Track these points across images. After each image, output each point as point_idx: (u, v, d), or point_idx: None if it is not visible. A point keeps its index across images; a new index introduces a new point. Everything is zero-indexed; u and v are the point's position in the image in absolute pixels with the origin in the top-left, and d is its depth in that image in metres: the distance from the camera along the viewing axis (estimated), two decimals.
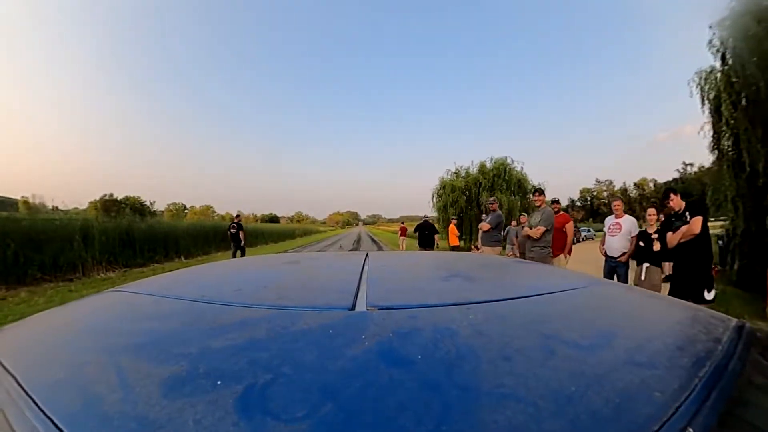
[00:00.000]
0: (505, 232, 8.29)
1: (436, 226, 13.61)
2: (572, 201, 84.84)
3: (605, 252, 5.19)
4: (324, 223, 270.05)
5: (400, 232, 17.05)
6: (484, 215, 9.45)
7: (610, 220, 5.19)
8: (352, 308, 0.62)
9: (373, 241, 35.01)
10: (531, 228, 5.19)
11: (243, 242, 11.93)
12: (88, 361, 0.48)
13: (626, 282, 5.03)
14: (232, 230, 11.96)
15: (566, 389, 0.37)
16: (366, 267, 1.01)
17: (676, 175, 72.87)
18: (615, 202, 5.26)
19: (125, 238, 13.11)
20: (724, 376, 0.41)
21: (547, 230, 5.11)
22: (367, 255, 1.26)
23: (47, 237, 10.40)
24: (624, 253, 4.94)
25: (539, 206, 5.38)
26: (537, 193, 5.59)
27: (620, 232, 4.95)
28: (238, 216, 13.06)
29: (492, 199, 6.85)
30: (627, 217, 5.06)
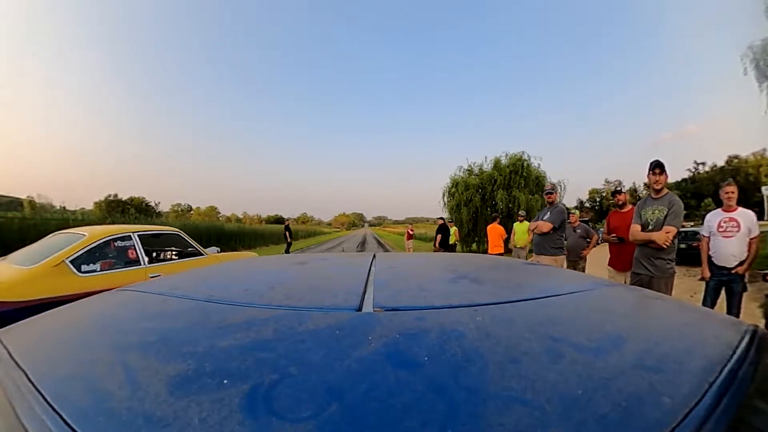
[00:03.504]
0: None
1: (451, 227, 12.55)
2: (581, 202, 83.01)
3: (710, 260, 3.71)
4: (329, 224, 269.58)
5: (406, 235, 16.48)
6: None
7: (716, 216, 3.69)
8: (359, 309, 0.62)
9: (379, 243, 33.61)
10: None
11: (290, 240, 16.55)
12: (97, 359, 0.49)
13: (740, 303, 3.58)
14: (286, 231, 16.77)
15: (575, 393, 0.37)
16: (373, 268, 1.01)
17: (687, 174, 71.12)
18: (727, 188, 3.61)
19: None
20: (735, 382, 0.40)
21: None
22: (374, 256, 1.27)
23: (15, 237, 9.52)
24: (743, 262, 3.48)
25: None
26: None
27: (738, 231, 3.47)
28: (287, 220, 17.81)
29: (550, 186, 5.00)
30: (742, 209, 3.57)
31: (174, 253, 5.39)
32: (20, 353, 0.52)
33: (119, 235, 3.95)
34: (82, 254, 3.48)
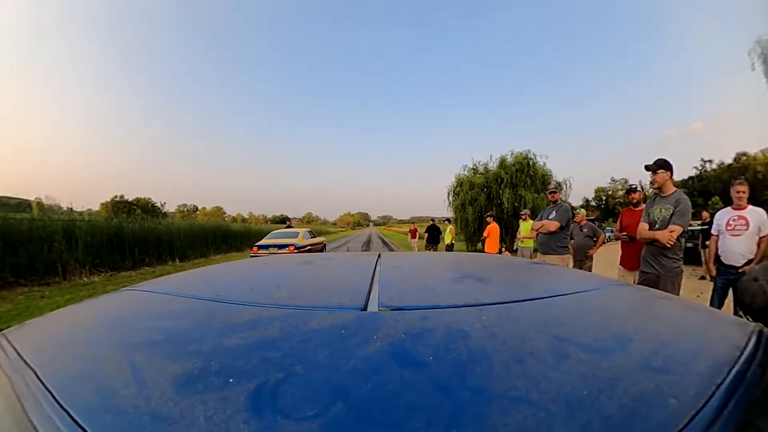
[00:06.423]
0: None
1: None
2: (587, 201, 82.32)
3: (718, 259, 3.67)
4: (335, 224, 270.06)
5: (410, 234, 16.87)
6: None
7: (726, 214, 3.65)
8: (364, 308, 0.62)
9: (384, 242, 33.63)
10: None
11: None
12: (105, 357, 0.49)
13: None
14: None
15: (580, 393, 0.36)
16: (378, 267, 1.01)
17: (694, 172, 70.05)
18: (739, 188, 3.55)
19: (114, 240, 12.12)
20: (742, 383, 0.39)
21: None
22: (379, 255, 1.28)
23: (24, 237, 9.59)
24: (751, 261, 3.43)
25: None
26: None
27: (747, 230, 3.43)
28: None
29: (554, 184, 4.98)
30: (753, 208, 3.51)
31: (313, 235, 13.24)
32: (29, 352, 0.52)
33: (305, 229, 13.46)
34: (308, 233, 12.95)
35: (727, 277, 3.60)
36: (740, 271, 3.48)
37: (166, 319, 0.64)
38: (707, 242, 3.87)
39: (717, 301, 3.67)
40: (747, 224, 3.45)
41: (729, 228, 3.56)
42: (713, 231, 3.78)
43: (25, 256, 9.16)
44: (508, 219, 16.97)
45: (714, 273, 3.73)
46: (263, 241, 11.59)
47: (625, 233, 4.04)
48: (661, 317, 0.68)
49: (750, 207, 3.53)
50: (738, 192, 3.55)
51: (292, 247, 10.68)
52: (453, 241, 12.38)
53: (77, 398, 0.39)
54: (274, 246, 10.83)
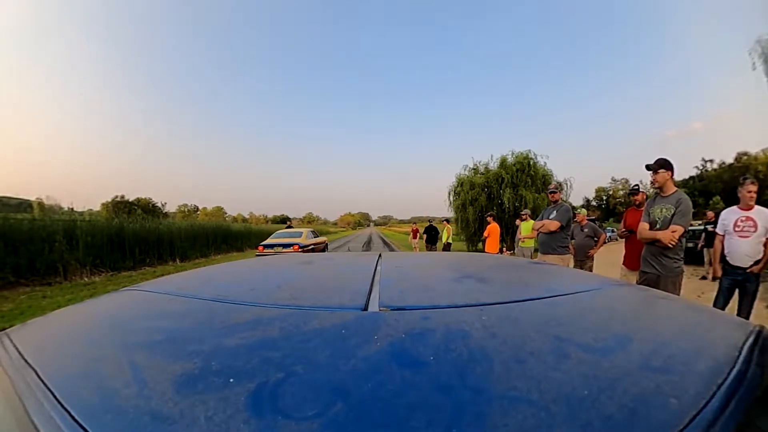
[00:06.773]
0: None
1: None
2: (587, 200, 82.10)
3: (725, 259, 3.64)
4: (335, 224, 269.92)
5: (411, 234, 16.88)
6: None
7: (732, 214, 3.60)
8: (365, 308, 0.62)
9: (385, 242, 33.66)
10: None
11: None
12: (106, 357, 0.49)
13: (753, 304, 3.52)
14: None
15: (580, 393, 0.36)
16: (379, 267, 1.00)
17: (695, 172, 69.64)
18: (751, 187, 3.47)
19: (115, 240, 12.11)
20: (742, 383, 0.39)
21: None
22: (380, 256, 1.28)
23: (25, 237, 9.58)
24: (758, 262, 3.41)
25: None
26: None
27: (755, 231, 3.40)
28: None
29: (554, 184, 4.98)
30: (759, 208, 3.47)
31: (316, 234, 13.29)
32: (30, 351, 0.52)
33: (308, 229, 13.34)
34: (311, 233, 13.12)
35: (733, 278, 3.58)
36: (748, 271, 3.47)
37: (166, 319, 0.64)
38: (710, 228, 3.86)
39: (722, 301, 3.65)
40: (755, 226, 3.42)
41: (737, 229, 3.52)
42: (719, 230, 3.74)
43: (26, 256, 9.16)
44: (509, 219, 16.93)
45: (719, 273, 3.71)
46: (268, 241, 11.89)
47: (624, 230, 4.14)
48: (662, 317, 0.67)
49: (757, 207, 3.49)
50: (750, 192, 3.49)
51: (296, 246, 10.93)
52: (450, 240, 12.49)
53: (78, 398, 0.39)
54: (279, 245, 11.16)
